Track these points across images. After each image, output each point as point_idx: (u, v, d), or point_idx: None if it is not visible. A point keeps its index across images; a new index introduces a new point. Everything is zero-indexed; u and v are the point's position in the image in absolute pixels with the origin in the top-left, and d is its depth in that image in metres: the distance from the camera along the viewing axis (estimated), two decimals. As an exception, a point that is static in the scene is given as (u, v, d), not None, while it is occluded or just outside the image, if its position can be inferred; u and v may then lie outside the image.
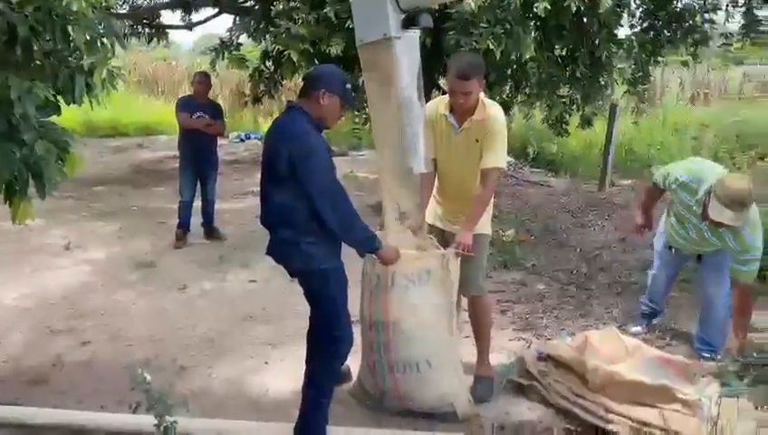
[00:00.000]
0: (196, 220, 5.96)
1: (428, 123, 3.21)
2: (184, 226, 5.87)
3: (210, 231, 6.02)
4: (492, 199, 3.27)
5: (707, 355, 3.52)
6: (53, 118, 2.48)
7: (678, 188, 3.47)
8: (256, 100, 7.18)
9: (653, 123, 10.45)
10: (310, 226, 2.62)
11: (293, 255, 2.70)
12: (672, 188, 3.51)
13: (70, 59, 2.31)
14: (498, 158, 3.11)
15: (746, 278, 3.30)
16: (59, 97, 2.50)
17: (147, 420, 2.61)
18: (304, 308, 3.19)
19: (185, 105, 5.78)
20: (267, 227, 2.78)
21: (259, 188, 2.80)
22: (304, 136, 2.61)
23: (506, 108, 6.29)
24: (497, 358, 3.57)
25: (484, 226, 3.28)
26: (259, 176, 2.81)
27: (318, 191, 2.56)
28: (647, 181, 3.74)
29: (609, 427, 2.84)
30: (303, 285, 2.79)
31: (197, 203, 5.96)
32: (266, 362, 3.64)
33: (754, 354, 3.40)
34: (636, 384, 2.96)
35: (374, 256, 2.83)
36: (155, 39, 8.21)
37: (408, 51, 2.85)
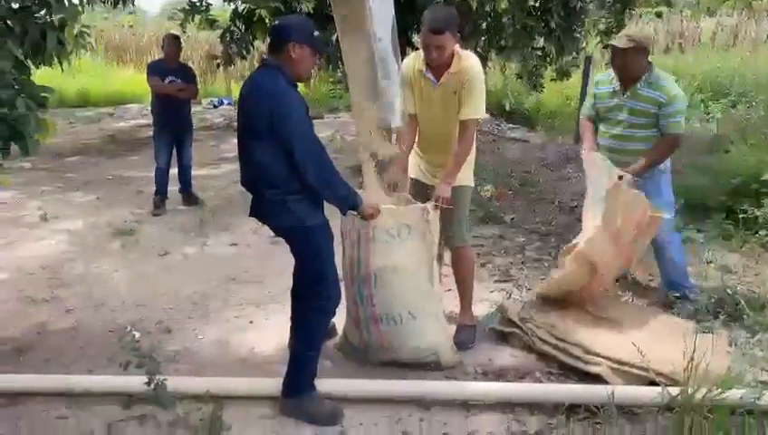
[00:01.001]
0: (173, 187, 5.91)
1: (406, 80, 3.22)
2: (161, 192, 5.82)
3: (188, 197, 5.98)
4: (474, 151, 3.28)
5: (679, 295, 3.61)
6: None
7: (598, 91, 3.67)
8: (228, 62, 7.04)
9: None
10: (292, 183, 2.62)
11: (277, 213, 2.70)
12: (596, 94, 3.68)
13: (38, 15, 2.24)
14: (476, 109, 3.12)
15: (676, 129, 3.42)
16: (28, 61, 2.45)
17: (136, 381, 2.66)
18: (285, 268, 3.21)
19: (156, 70, 5.68)
20: (248, 187, 2.77)
21: (237, 151, 2.77)
22: (283, 94, 2.60)
23: (482, 61, 6.26)
24: (479, 309, 3.63)
25: (467, 178, 3.30)
26: (235, 141, 2.78)
27: (299, 148, 2.55)
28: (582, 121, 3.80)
29: (589, 368, 2.92)
30: (289, 243, 2.80)
31: (174, 170, 5.90)
32: (251, 322, 3.67)
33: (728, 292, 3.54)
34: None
35: (354, 212, 2.85)
36: (120, 3, 7.96)
37: (381, 4, 2.82)
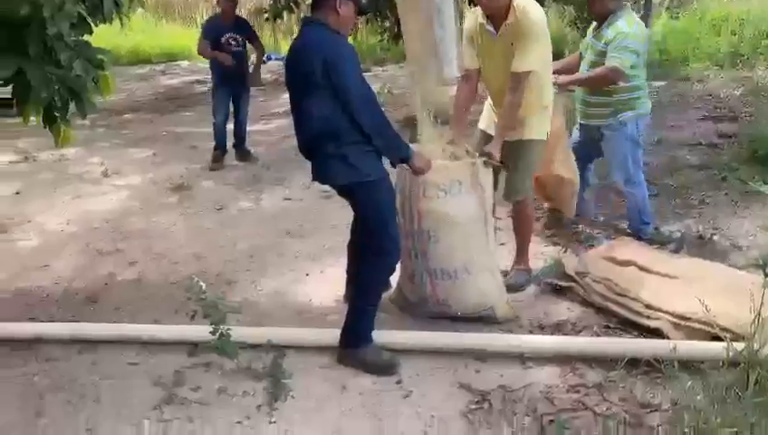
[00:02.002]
0: (228, 142, 5.99)
1: (468, 35, 3.20)
2: (221, 147, 5.87)
3: (242, 152, 6.05)
4: (546, 101, 3.22)
5: (648, 229, 3.78)
6: (86, 38, 2.47)
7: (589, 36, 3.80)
8: (276, 15, 7.02)
9: (690, 20, 9.99)
10: (352, 135, 2.62)
11: (339, 170, 2.69)
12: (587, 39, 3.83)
13: (95, -26, 2.27)
14: (528, 61, 3.03)
15: (613, 61, 3.50)
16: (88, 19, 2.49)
17: (201, 331, 2.75)
18: (338, 222, 3.27)
19: (211, 29, 5.65)
20: (308, 148, 2.77)
21: (293, 115, 2.78)
22: (336, 44, 2.63)
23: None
24: (534, 264, 3.60)
25: (531, 131, 3.22)
26: (284, 97, 2.79)
27: (354, 95, 2.57)
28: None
29: (650, 323, 2.87)
30: (352, 200, 2.81)
31: (230, 125, 5.96)
32: (307, 275, 3.74)
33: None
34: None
35: (406, 165, 2.84)
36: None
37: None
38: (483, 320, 3.07)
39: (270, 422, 2.48)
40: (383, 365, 2.77)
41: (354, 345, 2.80)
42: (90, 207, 4.99)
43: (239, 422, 2.49)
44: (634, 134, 3.72)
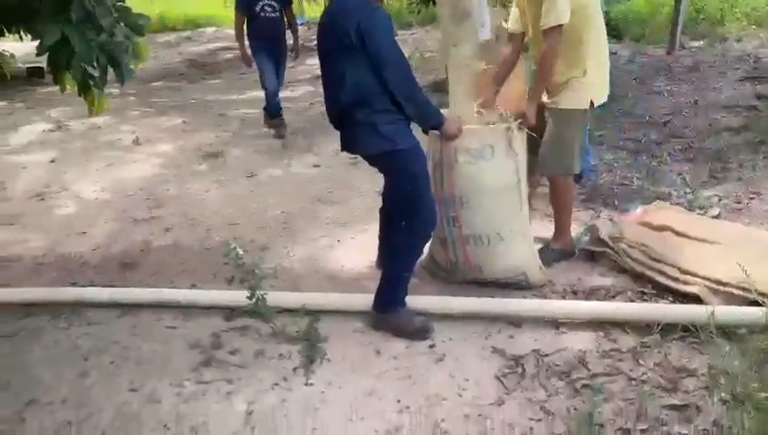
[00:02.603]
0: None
1: None
2: (277, 113, 5.76)
3: (272, 119, 6.02)
4: (584, 67, 3.02)
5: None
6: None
7: None
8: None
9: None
10: (383, 103, 2.61)
11: (370, 139, 2.68)
12: None
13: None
14: (555, 14, 2.85)
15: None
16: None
17: (237, 296, 2.80)
18: (368, 189, 3.28)
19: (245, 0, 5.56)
20: (338, 117, 2.75)
21: (324, 82, 2.76)
22: (368, 9, 2.60)
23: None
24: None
25: (568, 99, 3.08)
26: (311, 62, 2.78)
27: (387, 62, 2.55)
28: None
29: (686, 288, 2.84)
30: (384, 169, 2.79)
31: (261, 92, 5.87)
32: (338, 241, 3.76)
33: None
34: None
35: (437, 132, 2.81)
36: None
37: None
38: (515, 285, 3.06)
39: (306, 384, 2.53)
40: (416, 330, 2.79)
41: (387, 310, 2.82)
42: (123, 174, 5.06)
43: (276, 384, 2.54)
44: None
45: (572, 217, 3.44)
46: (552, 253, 3.30)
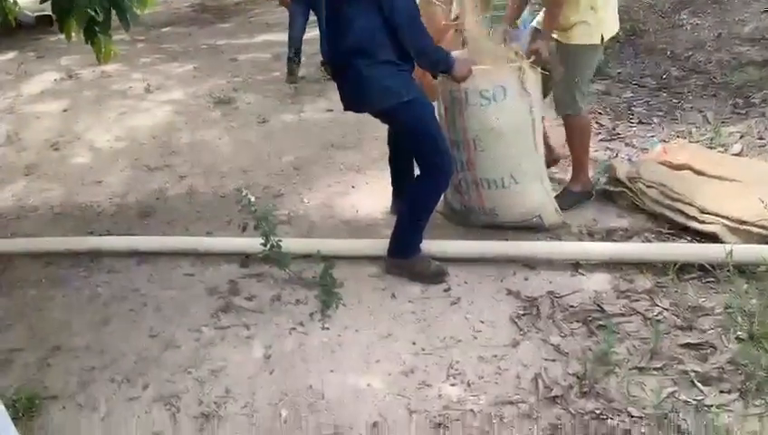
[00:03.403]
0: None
1: None
2: (297, 58, 5.67)
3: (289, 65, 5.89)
4: (590, 4, 2.91)
5: None
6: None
7: None
8: None
9: None
10: (388, 53, 2.54)
11: (376, 93, 2.61)
12: None
13: None
14: None
15: None
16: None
17: (253, 242, 2.81)
18: (381, 134, 3.22)
19: None
20: (339, 62, 2.66)
21: (327, 22, 2.67)
22: None
23: None
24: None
25: (579, 35, 2.97)
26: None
27: (399, 11, 2.47)
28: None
29: (704, 227, 2.80)
30: (394, 123, 2.74)
31: (279, 36, 5.67)
32: (353, 187, 3.74)
33: None
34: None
35: (448, 75, 2.75)
36: None
37: None
38: (531, 228, 3.04)
39: (323, 328, 2.57)
40: (431, 274, 2.80)
41: (402, 256, 2.82)
42: (135, 123, 5.05)
43: (293, 329, 2.58)
44: None
45: (592, 157, 3.38)
46: (571, 196, 3.24)
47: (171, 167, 4.22)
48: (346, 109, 2.81)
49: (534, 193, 2.99)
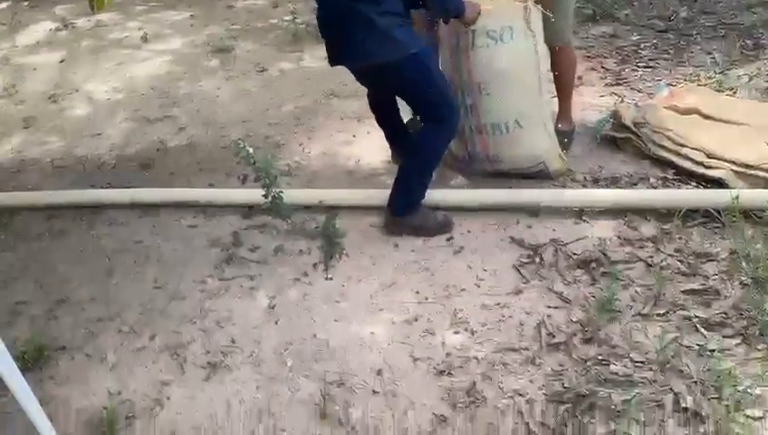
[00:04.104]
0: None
1: None
2: None
3: None
4: None
5: None
6: None
7: None
8: None
9: None
10: (394, 4, 2.46)
11: (380, 46, 2.48)
12: None
13: None
14: None
15: None
16: None
17: (255, 194, 2.80)
18: (383, 82, 3.16)
19: None
20: (339, 11, 2.53)
21: None
22: None
23: None
24: (589, 115, 3.47)
25: None
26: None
27: None
28: None
29: (711, 173, 2.77)
30: (392, 76, 2.60)
31: None
32: (354, 136, 3.69)
33: None
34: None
35: (457, 20, 2.67)
36: None
37: None
38: (535, 176, 3.01)
39: (326, 279, 2.57)
40: (437, 226, 2.76)
41: (405, 213, 2.76)
42: (133, 73, 4.96)
43: (297, 280, 2.59)
44: None
45: (596, 102, 3.33)
46: (564, 135, 3.20)
47: (171, 118, 4.17)
48: (335, 62, 2.70)
49: (539, 139, 2.95)
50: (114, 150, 3.83)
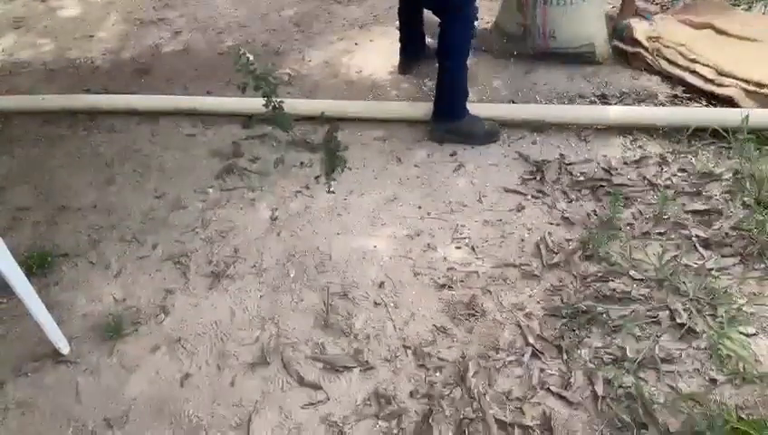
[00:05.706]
0: None
1: None
2: None
3: None
4: None
5: None
6: None
7: None
8: None
9: None
10: None
11: None
12: None
13: None
14: None
15: None
16: None
17: (255, 103, 2.73)
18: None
19: None
20: None
21: None
22: None
23: None
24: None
25: None
26: None
27: None
28: None
29: (721, 90, 2.71)
30: None
31: None
32: (356, 44, 3.57)
33: None
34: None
35: None
36: None
37: None
38: (581, 58, 3.06)
39: (328, 192, 2.56)
40: (486, 133, 2.71)
41: (455, 117, 2.70)
42: (125, -28, 4.73)
43: (298, 192, 2.57)
44: None
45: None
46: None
47: (165, 21, 4.01)
48: None
49: (594, 19, 3.04)
50: (108, 54, 3.71)
